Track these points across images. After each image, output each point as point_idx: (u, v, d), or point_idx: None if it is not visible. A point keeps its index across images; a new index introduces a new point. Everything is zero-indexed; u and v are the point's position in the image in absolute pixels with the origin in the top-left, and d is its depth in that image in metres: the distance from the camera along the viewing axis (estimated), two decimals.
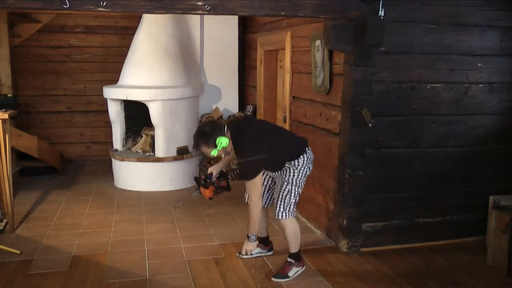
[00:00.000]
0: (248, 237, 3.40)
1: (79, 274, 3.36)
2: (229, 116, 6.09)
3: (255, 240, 3.41)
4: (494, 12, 3.76)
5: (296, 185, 3.28)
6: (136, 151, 5.69)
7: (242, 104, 6.56)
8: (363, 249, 3.80)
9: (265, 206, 3.54)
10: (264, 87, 5.79)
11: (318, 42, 3.98)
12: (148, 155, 5.59)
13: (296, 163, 3.26)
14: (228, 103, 6.33)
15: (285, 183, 3.27)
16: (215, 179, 3.42)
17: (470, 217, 4.02)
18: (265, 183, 3.48)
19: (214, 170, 3.46)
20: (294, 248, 3.37)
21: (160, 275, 3.36)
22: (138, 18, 5.96)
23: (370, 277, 3.36)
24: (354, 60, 3.54)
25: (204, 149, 3.18)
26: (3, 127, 3.94)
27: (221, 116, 6.01)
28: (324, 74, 3.93)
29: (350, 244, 3.77)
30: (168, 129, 5.49)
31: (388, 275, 3.39)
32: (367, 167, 3.72)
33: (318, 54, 4.00)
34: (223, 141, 3.11)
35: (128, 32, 6.57)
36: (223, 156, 3.35)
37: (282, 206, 3.27)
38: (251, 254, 3.62)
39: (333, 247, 3.88)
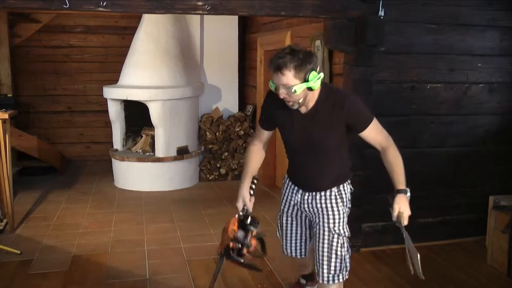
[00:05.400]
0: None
1: (79, 274, 3.36)
2: (229, 117, 6.08)
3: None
4: (494, 12, 3.76)
5: (346, 228, 2.38)
6: (136, 151, 5.69)
7: (242, 104, 6.54)
8: (363, 249, 3.80)
9: (302, 256, 2.58)
10: (264, 87, 5.78)
11: (318, 42, 3.98)
12: (148, 155, 5.59)
13: (349, 187, 2.38)
14: (228, 103, 6.32)
15: (331, 227, 2.34)
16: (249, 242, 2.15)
17: (470, 217, 4.01)
18: (297, 227, 2.53)
19: (239, 225, 2.23)
20: None
21: (160, 275, 3.36)
22: (138, 18, 5.95)
23: (370, 277, 3.36)
24: (354, 60, 3.53)
25: (287, 76, 2.08)
26: (3, 127, 3.94)
27: (221, 116, 6.00)
28: (324, 74, 3.92)
29: (350, 244, 3.76)
30: (168, 129, 5.49)
31: (388, 275, 3.39)
32: (367, 167, 3.71)
33: (318, 54, 3.99)
34: (318, 76, 2.16)
35: (128, 32, 6.56)
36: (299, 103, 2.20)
37: (334, 266, 2.33)
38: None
39: None
